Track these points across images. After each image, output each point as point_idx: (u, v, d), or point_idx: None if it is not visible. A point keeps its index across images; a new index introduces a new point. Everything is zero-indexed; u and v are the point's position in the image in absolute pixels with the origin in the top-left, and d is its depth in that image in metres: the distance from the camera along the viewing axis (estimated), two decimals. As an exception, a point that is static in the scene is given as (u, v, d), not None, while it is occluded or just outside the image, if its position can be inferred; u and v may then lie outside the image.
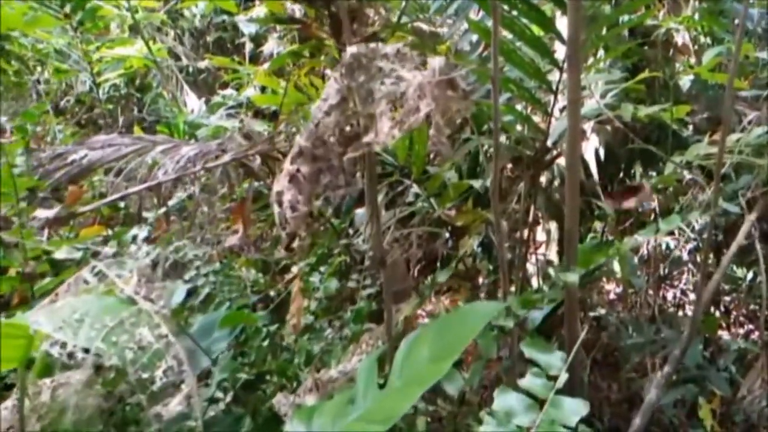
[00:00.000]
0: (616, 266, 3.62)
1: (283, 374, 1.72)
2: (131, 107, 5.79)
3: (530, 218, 3.38)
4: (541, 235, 4.23)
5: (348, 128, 1.12)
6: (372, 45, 1.13)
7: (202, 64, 6.09)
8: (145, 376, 0.96)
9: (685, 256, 4.37)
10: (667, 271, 4.19)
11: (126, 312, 1.04)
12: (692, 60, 4.49)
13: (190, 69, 6.45)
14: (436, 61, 1.09)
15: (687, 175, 3.36)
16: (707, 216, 3.67)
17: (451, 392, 1.18)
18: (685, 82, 4.41)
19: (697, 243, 4.15)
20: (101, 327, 0.99)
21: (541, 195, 4.03)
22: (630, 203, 2.59)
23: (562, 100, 3.09)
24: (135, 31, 5.95)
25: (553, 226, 4.21)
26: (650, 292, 4.04)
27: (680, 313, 4.14)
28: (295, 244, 1.06)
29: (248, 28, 5.83)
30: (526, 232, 3.60)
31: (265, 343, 1.73)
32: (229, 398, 1.59)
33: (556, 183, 4.07)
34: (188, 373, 0.97)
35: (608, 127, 4.24)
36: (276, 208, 1.12)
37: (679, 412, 3.06)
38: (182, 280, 1.75)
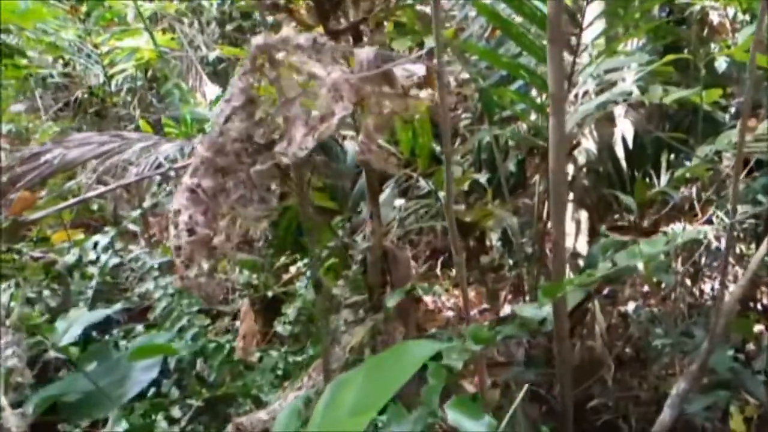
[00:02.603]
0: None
1: (247, 395, 1.58)
2: (149, 99, 5.73)
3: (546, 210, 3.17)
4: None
5: (260, 135, 0.96)
6: (283, 35, 0.95)
7: (212, 54, 5.97)
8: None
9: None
10: (705, 261, 3.94)
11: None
12: (730, 40, 4.17)
13: (210, 58, 6.34)
14: (363, 53, 0.90)
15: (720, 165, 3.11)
16: (747, 205, 3.41)
17: (398, 437, 1.02)
18: (721, 63, 4.10)
19: (737, 232, 3.90)
20: None
21: (563, 186, 3.81)
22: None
23: (576, 87, 2.88)
24: (152, 21, 5.88)
25: (583, 216, 4.03)
26: (688, 282, 3.81)
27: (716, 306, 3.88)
28: (192, 272, 0.89)
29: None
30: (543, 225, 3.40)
31: (229, 359, 1.60)
32: (184, 422, 1.46)
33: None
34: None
35: (641, 111, 4.01)
36: (171, 230, 0.96)
37: (712, 415, 2.84)
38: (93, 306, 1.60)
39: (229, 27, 6.67)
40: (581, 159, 3.95)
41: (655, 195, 3.18)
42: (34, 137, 3.54)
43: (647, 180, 3.47)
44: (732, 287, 3.36)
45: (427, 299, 4.57)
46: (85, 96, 5.07)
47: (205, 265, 0.95)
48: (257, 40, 0.94)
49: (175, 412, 1.51)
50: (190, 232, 0.95)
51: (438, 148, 4.59)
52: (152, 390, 1.67)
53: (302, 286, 2.13)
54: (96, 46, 4.36)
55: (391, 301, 1.65)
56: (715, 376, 2.66)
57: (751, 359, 3.04)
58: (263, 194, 0.98)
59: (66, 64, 5.06)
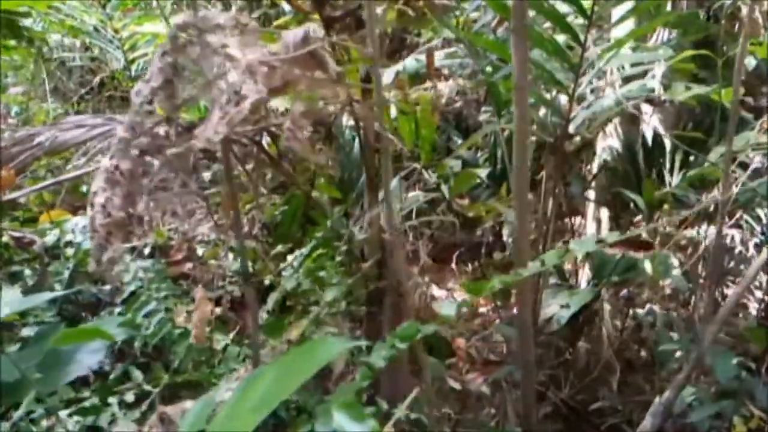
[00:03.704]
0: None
1: (211, 383, 1.56)
2: (173, 84, 5.76)
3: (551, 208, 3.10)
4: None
5: (179, 116, 0.93)
6: (203, 13, 0.92)
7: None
8: None
9: (751, 251, 3.98)
10: (730, 266, 3.82)
11: None
12: (763, 36, 4.02)
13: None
14: (290, 35, 0.86)
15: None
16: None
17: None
18: (751, 61, 3.97)
19: (765, 236, 3.78)
20: None
21: (577, 183, 3.73)
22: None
23: (585, 82, 2.80)
24: (178, 6, 5.90)
25: (604, 214, 3.96)
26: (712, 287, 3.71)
27: (740, 314, 3.79)
28: (106, 257, 0.87)
29: (288, 5, 5.67)
30: (562, 222, 3.32)
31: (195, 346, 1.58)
32: (145, 407, 1.46)
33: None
34: None
35: (669, 109, 3.89)
36: (89, 211, 0.94)
37: (719, 424, 2.76)
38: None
39: (254, 15, 6.67)
40: (605, 156, 3.87)
41: (664, 195, 3.08)
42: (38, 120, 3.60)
43: (664, 180, 3.37)
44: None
45: (440, 294, 4.51)
46: (107, 80, 5.14)
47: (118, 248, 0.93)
48: (178, 18, 0.92)
49: (129, 396, 1.51)
50: (106, 213, 0.93)
51: (458, 141, 4.51)
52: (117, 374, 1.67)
53: (286, 275, 2.11)
54: (116, 30, 4.41)
55: (329, 294, 1.61)
56: (721, 384, 2.57)
57: (764, 369, 2.93)
58: (184, 178, 0.96)
59: (87, 49, 5.13)
